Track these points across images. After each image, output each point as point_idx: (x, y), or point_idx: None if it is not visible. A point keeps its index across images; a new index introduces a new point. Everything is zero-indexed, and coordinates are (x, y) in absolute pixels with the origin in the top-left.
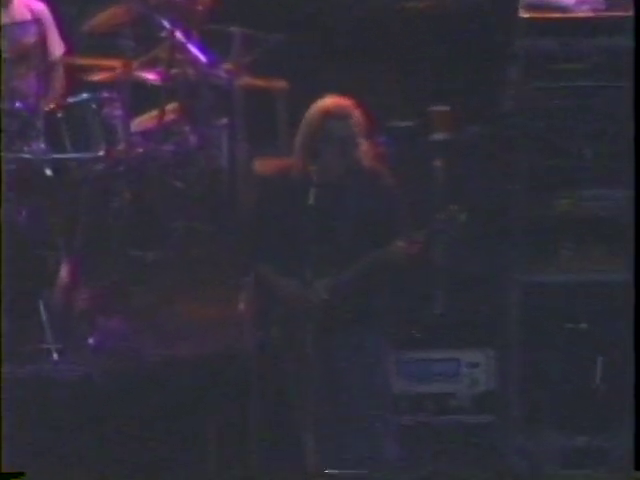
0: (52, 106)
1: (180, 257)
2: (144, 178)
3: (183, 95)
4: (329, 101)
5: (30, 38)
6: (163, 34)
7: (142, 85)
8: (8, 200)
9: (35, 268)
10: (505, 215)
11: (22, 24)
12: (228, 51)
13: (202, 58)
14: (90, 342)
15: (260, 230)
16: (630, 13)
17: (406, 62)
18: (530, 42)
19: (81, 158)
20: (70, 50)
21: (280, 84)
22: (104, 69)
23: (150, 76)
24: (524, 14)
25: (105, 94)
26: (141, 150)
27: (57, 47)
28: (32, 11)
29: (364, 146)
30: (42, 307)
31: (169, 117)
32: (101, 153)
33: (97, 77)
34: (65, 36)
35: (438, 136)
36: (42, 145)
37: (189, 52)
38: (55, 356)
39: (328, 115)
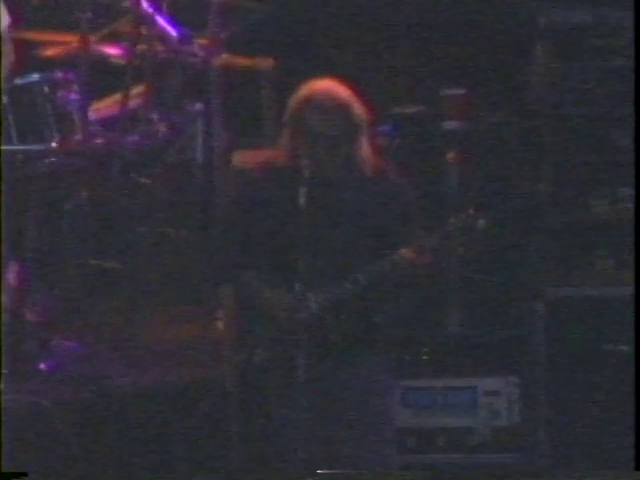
0: None
1: (147, 267)
2: (104, 174)
3: (150, 76)
4: (314, 87)
5: None
6: (126, 3)
7: (102, 64)
8: None
9: None
10: (530, 219)
11: None
12: (203, 24)
13: (172, 32)
14: (42, 367)
15: (241, 235)
16: None
17: (414, 37)
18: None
19: (30, 151)
20: (17, 23)
21: (265, 63)
22: (58, 45)
23: (112, 53)
24: None
25: (59, 74)
26: (101, 141)
27: (1, 19)
28: None
29: (360, 141)
30: None
31: (134, 102)
32: (54, 145)
33: (49, 54)
34: (11, 6)
35: (451, 125)
36: None
37: (157, 25)
38: None
39: (309, 106)
